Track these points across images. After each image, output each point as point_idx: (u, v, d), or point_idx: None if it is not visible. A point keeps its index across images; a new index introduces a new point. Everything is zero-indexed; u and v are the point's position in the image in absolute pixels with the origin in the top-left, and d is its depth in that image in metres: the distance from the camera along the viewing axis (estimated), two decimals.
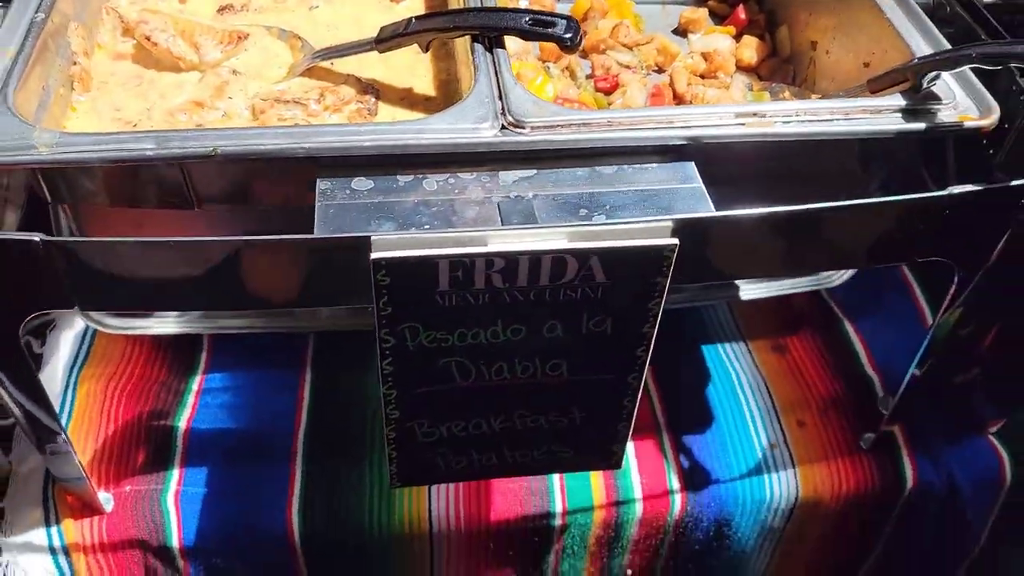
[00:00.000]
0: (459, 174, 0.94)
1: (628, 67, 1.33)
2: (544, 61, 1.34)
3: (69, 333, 1.38)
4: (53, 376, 1.30)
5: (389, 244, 0.82)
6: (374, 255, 0.82)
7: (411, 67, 1.18)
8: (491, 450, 1.08)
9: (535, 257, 0.85)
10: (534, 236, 0.85)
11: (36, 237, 0.80)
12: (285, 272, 0.88)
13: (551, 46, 1.31)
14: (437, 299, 0.87)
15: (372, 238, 0.82)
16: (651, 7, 1.49)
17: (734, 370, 1.42)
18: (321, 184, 0.91)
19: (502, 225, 0.88)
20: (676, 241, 0.85)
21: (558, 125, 0.95)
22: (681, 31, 1.45)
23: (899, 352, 1.37)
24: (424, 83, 1.16)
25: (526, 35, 1.03)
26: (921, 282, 1.52)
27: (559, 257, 0.85)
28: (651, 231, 0.86)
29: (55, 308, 0.88)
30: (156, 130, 0.97)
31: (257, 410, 1.31)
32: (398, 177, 0.93)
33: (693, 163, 0.95)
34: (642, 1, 1.48)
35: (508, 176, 0.94)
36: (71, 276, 0.83)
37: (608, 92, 1.30)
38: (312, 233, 0.87)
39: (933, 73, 0.97)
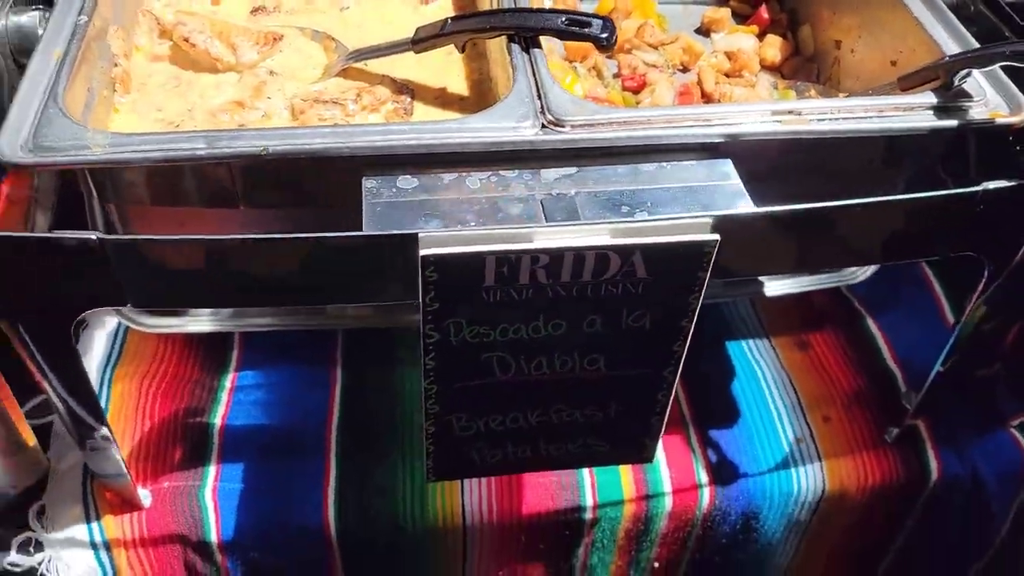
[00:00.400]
0: (501, 172, 0.95)
1: (654, 66, 1.35)
2: (571, 61, 1.36)
3: (102, 332, 1.39)
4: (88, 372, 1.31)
5: (437, 241, 0.84)
6: (423, 251, 0.83)
7: (444, 67, 1.19)
8: (527, 444, 1.10)
9: (579, 253, 0.86)
10: (578, 233, 0.86)
11: (93, 235, 0.81)
12: (332, 269, 0.89)
13: (577, 45, 1.34)
14: (482, 295, 0.89)
15: (420, 235, 0.83)
16: (673, 7, 1.50)
17: (758, 366, 1.44)
18: (367, 182, 0.92)
19: (546, 222, 0.90)
20: (717, 237, 0.86)
21: (598, 123, 0.96)
22: (704, 30, 1.47)
23: (920, 347, 1.40)
24: (457, 83, 1.18)
25: (562, 35, 1.05)
26: (940, 278, 1.54)
27: (602, 253, 0.87)
28: (692, 227, 0.87)
29: (109, 305, 0.89)
30: (205, 130, 0.99)
31: (290, 407, 1.33)
32: (442, 175, 0.94)
33: (731, 160, 0.97)
34: (665, 1, 1.50)
35: (549, 174, 0.95)
36: (126, 273, 0.84)
37: (636, 91, 1.31)
38: (358, 231, 0.88)
39: (965, 71, 0.99)
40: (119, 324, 1.39)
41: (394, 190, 0.93)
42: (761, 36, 1.41)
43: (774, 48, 1.38)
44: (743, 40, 1.39)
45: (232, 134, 0.93)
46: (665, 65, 1.37)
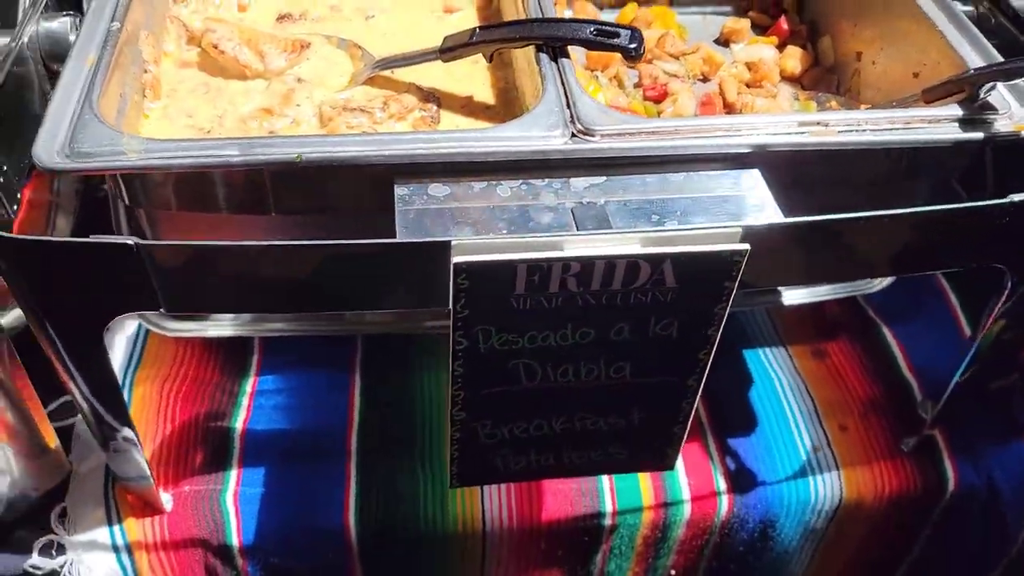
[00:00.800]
0: (531, 180, 0.96)
1: (675, 76, 1.36)
2: (592, 70, 1.37)
3: (122, 335, 1.40)
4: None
5: (470, 248, 0.85)
6: (455, 259, 0.84)
7: (469, 76, 1.20)
8: (550, 451, 1.11)
9: (610, 262, 0.87)
10: (609, 241, 0.87)
11: (130, 241, 0.82)
12: (364, 275, 0.90)
13: (599, 55, 1.35)
14: (512, 302, 0.90)
15: (452, 242, 0.84)
16: (693, 18, 1.52)
17: (775, 374, 1.44)
18: (399, 190, 0.93)
19: (577, 230, 0.91)
20: (747, 246, 0.87)
21: (627, 133, 0.97)
22: (723, 41, 1.48)
23: (936, 356, 1.41)
24: (483, 92, 1.18)
25: (591, 45, 1.05)
26: (956, 288, 1.55)
27: (633, 262, 0.87)
28: (722, 236, 0.88)
29: (143, 309, 0.90)
30: (238, 137, 1.00)
31: (310, 411, 1.34)
32: (472, 183, 0.95)
33: (758, 170, 0.98)
34: (684, 12, 1.51)
35: (580, 183, 0.96)
36: (162, 278, 0.85)
37: (657, 101, 1.32)
38: (392, 238, 0.89)
39: (990, 84, 1.00)
40: (140, 327, 1.39)
41: (425, 197, 0.93)
42: (781, 47, 1.42)
43: (794, 59, 1.39)
44: (763, 51, 1.40)
45: (265, 141, 0.94)
46: (686, 75, 1.38)
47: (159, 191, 0.97)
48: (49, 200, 1.25)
